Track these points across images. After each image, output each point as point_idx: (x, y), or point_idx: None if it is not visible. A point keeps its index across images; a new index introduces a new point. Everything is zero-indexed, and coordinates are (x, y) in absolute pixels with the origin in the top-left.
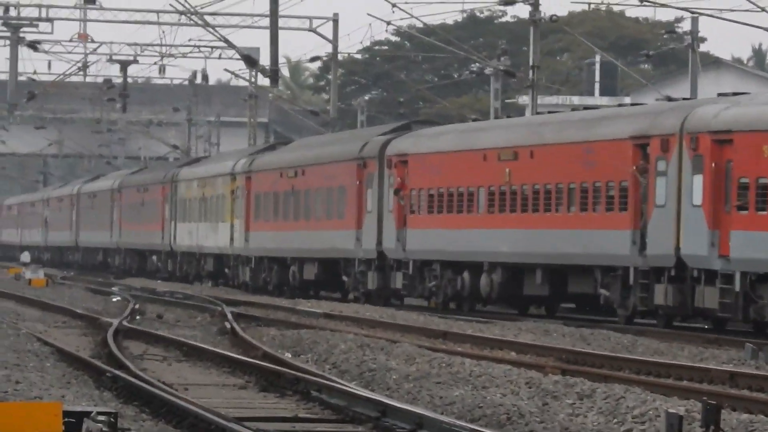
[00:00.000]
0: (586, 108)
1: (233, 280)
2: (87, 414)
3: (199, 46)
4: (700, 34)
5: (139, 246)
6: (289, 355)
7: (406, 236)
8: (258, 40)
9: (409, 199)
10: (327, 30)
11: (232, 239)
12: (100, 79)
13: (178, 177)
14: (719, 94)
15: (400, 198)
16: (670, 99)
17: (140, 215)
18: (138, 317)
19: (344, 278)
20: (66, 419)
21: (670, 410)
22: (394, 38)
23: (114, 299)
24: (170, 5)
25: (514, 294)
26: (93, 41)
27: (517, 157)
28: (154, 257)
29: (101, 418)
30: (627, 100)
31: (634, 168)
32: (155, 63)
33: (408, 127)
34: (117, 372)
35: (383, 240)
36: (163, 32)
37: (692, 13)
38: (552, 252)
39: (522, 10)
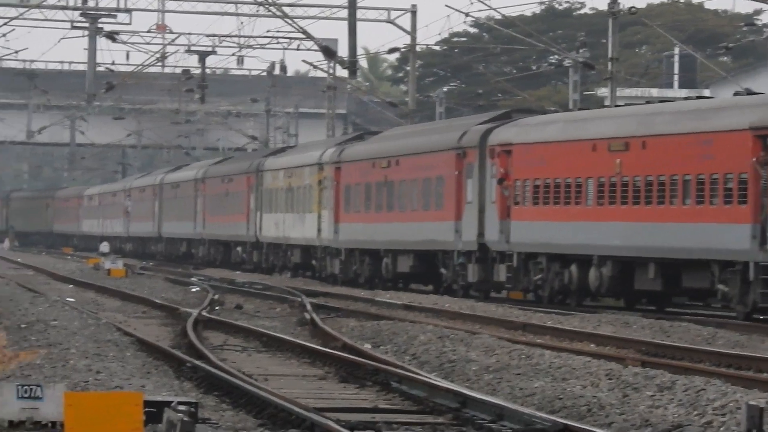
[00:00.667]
0: (662, 101)
1: (321, 271)
2: (167, 404)
3: (277, 37)
4: None
5: (223, 237)
6: (369, 346)
7: (510, 228)
8: (336, 31)
9: (514, 189)
10: (405, 21)
11: (319, 230)
12: (178, 70)
13: (263, 167)
14: None
15: (504, 188)
16: (750, 92)
17: (224, 206)
18: (217, 308)
19: (442, 270)
20: (147, 409)
21: (751, 402)
22: (472, 30)
23: (193, 290)
24: None
25: (624, 288)
26: (171, 32)
27: (629, 147)
28: (239, 248)
29: (182, 408)
30: (706, 92)
31: (754, 160)
32: (233, 54)
33: (508, 116)
34: (197, 362)
35: (485, 231)
36: (242, 23)
37: None
38: (666, 246)
39: (601, 2)
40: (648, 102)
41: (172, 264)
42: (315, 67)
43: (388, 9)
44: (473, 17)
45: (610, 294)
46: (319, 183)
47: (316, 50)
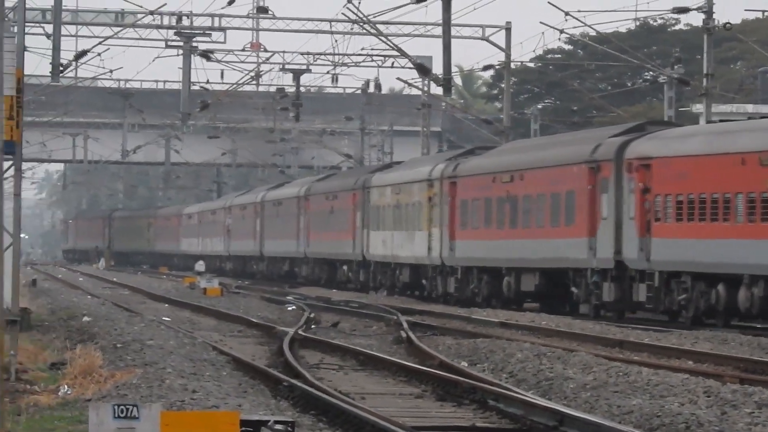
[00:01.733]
0: (763, 116)
1: (432, 291)
2: (264, 423)
3: (371, 55)
4: None
5: (328, 255)
6: (466, 364)
7: (651, 245)
8: (431, 48)
9: (654, 205)
10: (500, 39)
11: (429, 249)
12: (272, 89)
13: (370, 183)
14: None
15: (645, 204)
16: None
17: (329, 223)
18: (313, 326)
19: (573, 289)
20: (243, 428)
21: None
22: (567, 46)
23: (289, 308)
24: (343, 14)
25: None
26: (266, 50)
27: None
28: (345, 267)
29: (279, 427)
30: None
31: None
32: (328, 72)
33: (642, 128)
34: (293, 381)
35: (622, 248)
36: (336, 41)
37: None
38: None
39: (695, 18)
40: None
41: (268, 283)
42: (409, 84)
43: (482, 26)
44: (568, 34)
45: (761, 314)
46: (429, 200)
47: (410, 68)
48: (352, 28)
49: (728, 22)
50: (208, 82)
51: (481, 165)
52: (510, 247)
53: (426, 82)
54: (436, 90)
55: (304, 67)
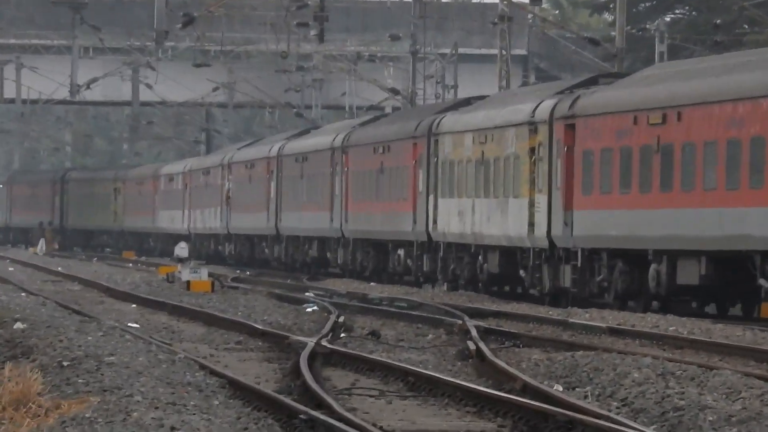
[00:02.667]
0: None
1: (533, 286)
2: None
3: None
4: None
5: (379, 236)
6: (560, 388)
7: None
8: None
9: None
10: None
11: (531, 225)
12: None
13: (439, 128)
14: None
15: None
16: None
17: (378, 187)
18: (343, 335)
19: (761, 282)
20: None
21: None
22: None
23: (309, 309)
24: None
25: None
26: None
27: None
28: (401, 251)
29: None
30: None
31: None
32: None
33: None
34: (315, 413)
35: None
36: None
37: None
38: None
39: None
40: None
41: (280, 274)
42: None
43: None
44: None
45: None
46: (531, 151)
47: None
48: None
49: None
50: None
51: (615, 99)
52: (661, 221)
53: None
54: None
55: None
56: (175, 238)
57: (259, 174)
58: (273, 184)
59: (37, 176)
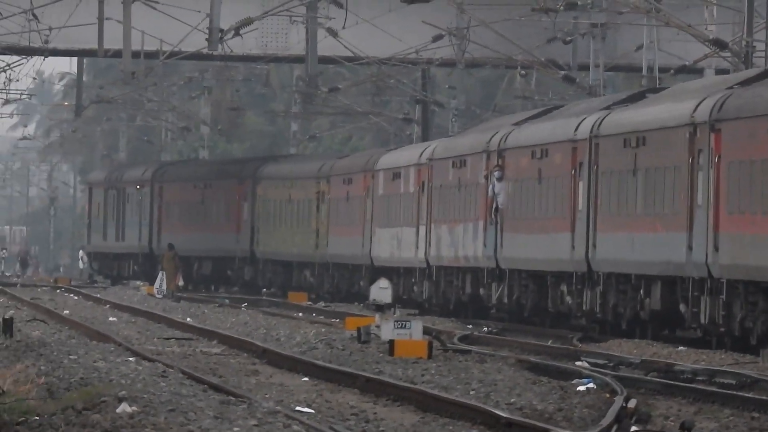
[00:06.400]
0: None
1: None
2: None
3: None
4: None
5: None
6: None
7: None
8: None
9: None
10: None
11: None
12: None
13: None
14: None
15: None
16: None
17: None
18: (634, 429)
19: None
20: None
21: None
22: None
23: (580, 388)
24: None
25: None
26: None
27: None
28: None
29: None
30: None
31: None
32: None
33: None
34: None
35: None
36: None
37: None
38: None
39: None
40: None
41: (529, 332)
42: None
43: None
44: None
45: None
46: None
47: None
48: None
49: None
50: None
51: None
52: None
53: None
54: None
55: None
56: (383, 271)
57: (554, 167)
58: (582, 185)
59: (203, 168)
